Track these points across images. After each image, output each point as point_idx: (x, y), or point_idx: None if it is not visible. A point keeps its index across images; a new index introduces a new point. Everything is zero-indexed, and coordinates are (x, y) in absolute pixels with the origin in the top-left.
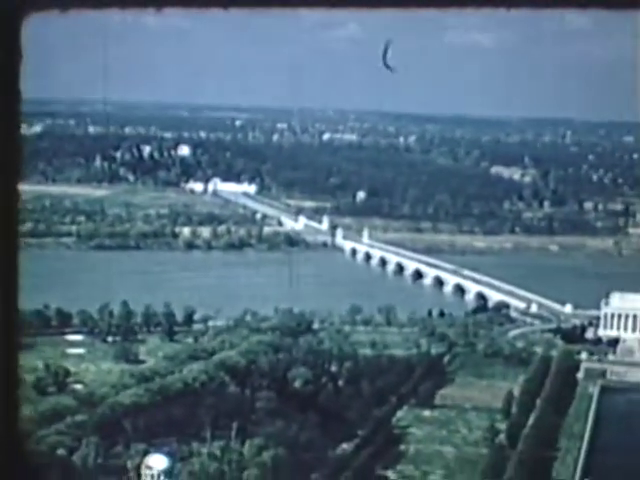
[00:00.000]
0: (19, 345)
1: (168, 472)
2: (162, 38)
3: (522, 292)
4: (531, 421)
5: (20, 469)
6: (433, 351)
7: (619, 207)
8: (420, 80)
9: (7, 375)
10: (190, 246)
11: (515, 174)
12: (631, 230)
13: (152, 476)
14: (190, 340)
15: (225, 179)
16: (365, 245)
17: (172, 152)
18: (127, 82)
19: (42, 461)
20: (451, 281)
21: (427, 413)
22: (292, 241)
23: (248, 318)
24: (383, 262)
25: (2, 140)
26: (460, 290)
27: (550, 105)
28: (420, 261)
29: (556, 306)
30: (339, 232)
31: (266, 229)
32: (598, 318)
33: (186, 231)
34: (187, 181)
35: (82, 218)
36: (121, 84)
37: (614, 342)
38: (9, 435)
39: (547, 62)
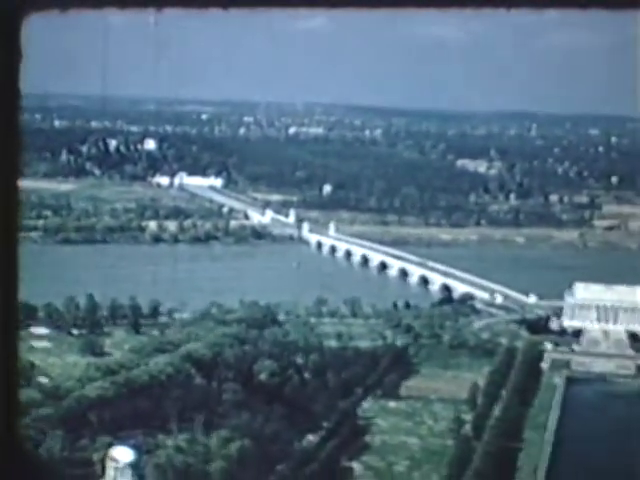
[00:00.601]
0: (17, 347)
1: (134, 465)
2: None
3: (487, 283)
4: (496, 412)
5: (20, 469)
6: (398, 342)
7: (584, 199)
8: (386, 73)
9: (7, 376)
10: (156, 240)
11: (481, 167)
12: (596, 222)
13: (117, 469)
14: (156, 333)
15: (191, 173)
16: (331, 238)
17: (138, 146)
18: (92, 76)
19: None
20: (416, 273)
21: (392, 404)
22: (259, 234)
23: (214, 311)
24: (349, 254)
25: (2, 138)
26: (425, 282)
27: (516, 98)
28: (385, 253)
29: (521, 297)
30: (305, 225)
31: (233, 222)
32: (563, 309)
33: (152, 225)
34: (153, 175)
35: (48, 212)
36: (86, 78)
37: (579, 333)
38: (9, 435)
39: (513, 55)
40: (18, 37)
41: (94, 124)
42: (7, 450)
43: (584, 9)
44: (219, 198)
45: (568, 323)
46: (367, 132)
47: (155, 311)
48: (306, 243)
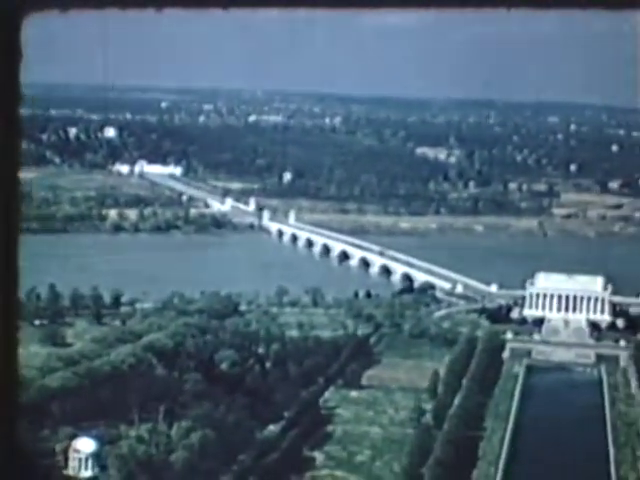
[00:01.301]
0: (17, 348)
1: (96, 455)
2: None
3: (448, 273)
4: (457, 401)
5: (20, 469)
6: (359, 332)
7: (543, 188)
8: (346, 61)
9: (7, 377)
10: (117, 229)
11: (440, 155)
12: (555, 210)
13: (80, 459)
14: (117, 323)
15: (151, 161)
16: (291, 226)
17: (98, 134)
18: (52, 64)
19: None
20: (377, 262)
21: (354, 394)
22: (219, 223)
23: (175, 301)
24: (309, 243)
25: (3, 136)
26: (386, 271)
27: (475, 86)
28: (346, 242)
29: (481, 286)
30: (265, 214)
31: (193, 211)
32: (523, 298)
33: (113, 213)
34: (113, 163)
35: None
36: (46, 66)
37: (539, 322)
38: (9, 435)
39: (472, 43)
40: (18, 37)
41: (54, 112)
42: (7, 450)
43: (584, 9)
44: (179, 186)
45: (529, 312)
46: (327, 120)
47: (117, 301)
48: (267, 232)
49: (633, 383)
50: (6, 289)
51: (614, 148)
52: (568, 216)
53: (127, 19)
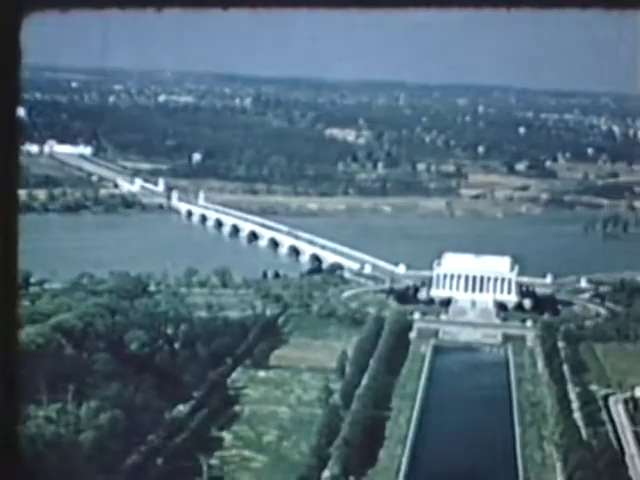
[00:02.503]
0: (17, 350)
1: None
2: None
3: (356, 253)
4: (365, 381)
5: (20, 469)
6: (268, 312)
7: (451, 169)
8: (256, 42)
9: (7, 378)
10: (26, 209)
11: (349, 136)
12: (463, 191)
13: None
14: (26, 303)
15: (61, 141)
16: (201, 207)
17: None
18: None
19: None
20: (286, 243)
21: (262, 374)
22: (128, 203)
23: (85, 281)
24: (219, 224)
25: (3, 134)
26: (295, 252)
27: (384, 67)
28: (255, 223)
29: (389, 267)
30: (175, 194)
31: (102, 191)
32: (430, 278)
33: (22, 193)
34: (23, 143)
35: None
36: None
37: (446, 302)
38: (9, 435)
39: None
40: (18, 37)
41: None
42: (7, 450)
43: (584, 9)
44: (89, 166)
45: (436, 293)
46: (237, 101)
47: (25, 281)
48: (176, 212)
49: (539, 363)
50: (5, 292)
51: (522, 130)
52: (476, 197)
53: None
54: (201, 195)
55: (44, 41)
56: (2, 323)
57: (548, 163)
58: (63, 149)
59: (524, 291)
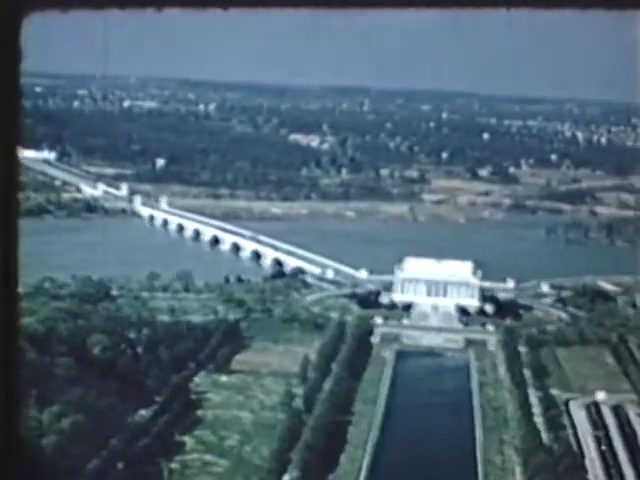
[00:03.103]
0: (17, 350)
1: None
2: None
3: (318, 258)
4: (327, 386)
5: (20, 469)
6: (230, 317)
7: (414, 174)
8: (220, 48)
9: (7, 379)
10: None
11: (313, 141)
12: (426, 196)
13: None
14: None
15: (25, 146)
16: (163, 211)
17: None
18: None
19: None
20: (248, 247)
21: (224, 378)
22: (91, 208)
23: (47, 285)
24: (181, 228)
25: (5, 132)
26: (257, 256)
27: (348, 73)
28: (218, 227)
29: (352, 271)
30: (137, 198)
31: (65, 196)
32: (393, 283)
33: None
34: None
35: None
36: None
37: (408, 307)
38: (9, 435)
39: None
40: (18, 37)
41: None
42: (7, 450)
43: (584, 9)
44: (52, 171)
45: (398, 297)
46: (201, 106)
47: None
48: (139, 217)
49: (501, 368)
50: (5, 292)
51: (485, 136)
52: (439, 202)
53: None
54: (164, 200)
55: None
56: (2, 324)
57: (511, 169)
58: (27, 154)
59: (486, 296)
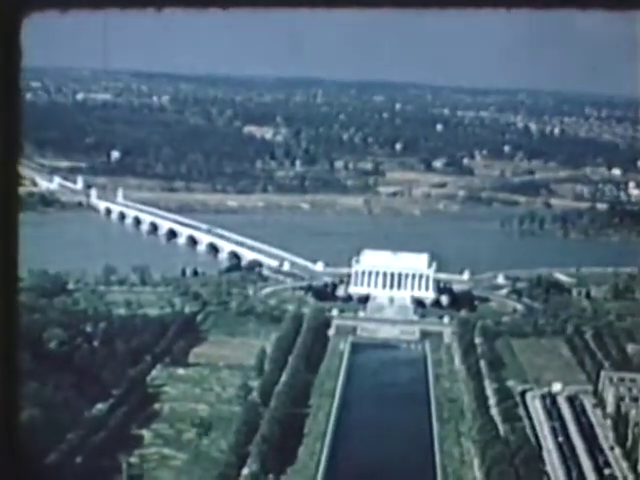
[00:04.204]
0: (17, 350)
1: None
2: None
3: (274, 250)
4: (283, 378)
5: (20, 469)
6: (187, 310)
7: (369, 166)
8: (173, 40)
9: (7, 379)
10: None
11: (267, 133)
12: (380, 189)
13: None
14: None
15: None
16: (119, 205)
17: None
18: None
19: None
20: (204, 240)
21: (181, 371)
22: (47, 201)
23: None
24: (137, 221)
25: (5, 132)
26: (214, 249)
27: (301, 64)
28: (174, 220)
29: (308, 264)
30: (93, 192)
31: (20, 189)
32: (349, 275)
33: None
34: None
35: None
36: None
37: (364, 299)
38: (9, 435)
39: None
40: (18, 37)
41: None
42: (7, 450)
43: (584, 9)
44: None
45: (354, 290)
46: (155, 98)
47: None
48: (95, 210)
49: (457, 359)
50: (5, 292)
51: (439, 127)
52: (393, 194)
53: None
54: (120, 193)
55: None
56: (2, 321)
57: (465, 160)
58: None
59: (441, 287)
